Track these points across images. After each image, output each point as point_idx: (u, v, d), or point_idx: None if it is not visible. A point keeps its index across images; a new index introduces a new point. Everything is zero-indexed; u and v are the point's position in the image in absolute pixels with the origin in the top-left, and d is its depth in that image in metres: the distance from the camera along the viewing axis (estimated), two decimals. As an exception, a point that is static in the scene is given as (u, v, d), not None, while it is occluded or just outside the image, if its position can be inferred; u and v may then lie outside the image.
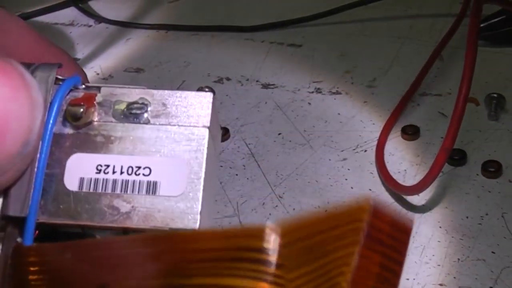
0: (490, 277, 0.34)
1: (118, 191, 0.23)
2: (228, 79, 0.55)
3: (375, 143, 0.45)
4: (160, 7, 0.72)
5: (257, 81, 0.55)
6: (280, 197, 0.42)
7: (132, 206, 0.23)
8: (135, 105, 0.23)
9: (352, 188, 0.42)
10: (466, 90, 0.36)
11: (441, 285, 0.34)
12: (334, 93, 0.52)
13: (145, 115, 0.23)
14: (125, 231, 0.23)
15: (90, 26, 0.69)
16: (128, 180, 0.22)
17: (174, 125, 0.23)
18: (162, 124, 0.23)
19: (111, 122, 0.23)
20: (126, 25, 0.68)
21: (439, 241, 0.37)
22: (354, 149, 0.45)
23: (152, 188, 0.22)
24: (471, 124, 0.45)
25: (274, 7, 0.67)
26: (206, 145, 0.22)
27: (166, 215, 0.22)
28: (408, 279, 0.35)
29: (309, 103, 0.51)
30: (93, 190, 0.23)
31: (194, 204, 0.22)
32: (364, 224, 0.16)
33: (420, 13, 0.62)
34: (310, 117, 0.49)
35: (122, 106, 0.23)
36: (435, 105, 0.48)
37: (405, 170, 0.43)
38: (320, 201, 0.41)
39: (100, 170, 0.23)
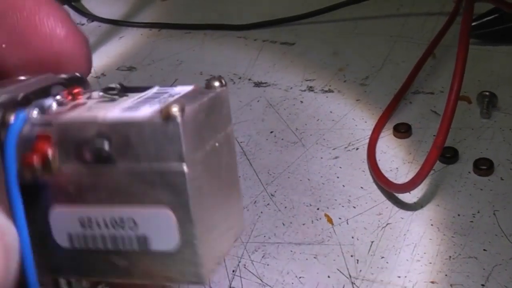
0: (482, 275, 0.34)
1: (110, 247, 0.21)
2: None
3: (367, 141, 0.45)
4: (153, 5, 0.72)
5: (249, 79, 0.55)
6: (272, 195, 0.42)
7: (130, 263, 0.21)
8: (95, 146, 0.20)
9: (343, 186, 0.42)
10: (457, 88, 0.36)
11: (432, 282, 0.34)
12: (326, 91, 0.52)
13: (110, 155, 0.19)
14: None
15: (83, 24, 0.69)
16: (116, 236, 0.21)
17: (145, 164, 0.19)
18: (131, 165, 0.19)
19: (77, 168, 0.20)
20: (119, 24, 0.68)
21: (430, 239, 0.37)
22: (346, 147, 0.45)
23: (143, 243, 0.20)
24: (463, 122, 0.45)
25: (267, 6, 0.67)
26: (187, 184, 0.19)
27: (167, 272, 0.20)
28: (399, 276, 0.35)
29: (301, 101, 0.51)
30: (85, 246, 0.21)
31: (193, 258, 0.20)
32: None
33: (412, 12, 0.62)
34: (302, 115, 0.49)
35: (83, 150, 0.20)
36: (427, 103, 0.48)
37: (397, 168, 0.43)
38: (312, 199, 0.41)
39: (84, 225, 0.21)
